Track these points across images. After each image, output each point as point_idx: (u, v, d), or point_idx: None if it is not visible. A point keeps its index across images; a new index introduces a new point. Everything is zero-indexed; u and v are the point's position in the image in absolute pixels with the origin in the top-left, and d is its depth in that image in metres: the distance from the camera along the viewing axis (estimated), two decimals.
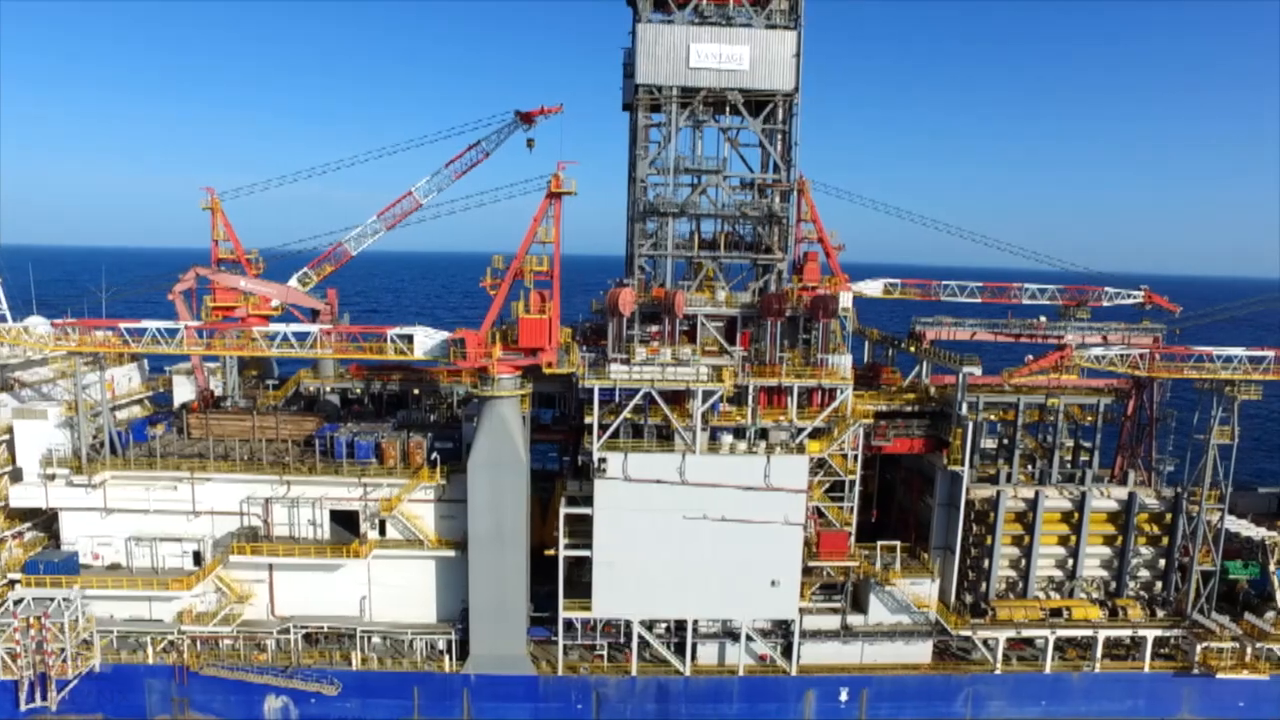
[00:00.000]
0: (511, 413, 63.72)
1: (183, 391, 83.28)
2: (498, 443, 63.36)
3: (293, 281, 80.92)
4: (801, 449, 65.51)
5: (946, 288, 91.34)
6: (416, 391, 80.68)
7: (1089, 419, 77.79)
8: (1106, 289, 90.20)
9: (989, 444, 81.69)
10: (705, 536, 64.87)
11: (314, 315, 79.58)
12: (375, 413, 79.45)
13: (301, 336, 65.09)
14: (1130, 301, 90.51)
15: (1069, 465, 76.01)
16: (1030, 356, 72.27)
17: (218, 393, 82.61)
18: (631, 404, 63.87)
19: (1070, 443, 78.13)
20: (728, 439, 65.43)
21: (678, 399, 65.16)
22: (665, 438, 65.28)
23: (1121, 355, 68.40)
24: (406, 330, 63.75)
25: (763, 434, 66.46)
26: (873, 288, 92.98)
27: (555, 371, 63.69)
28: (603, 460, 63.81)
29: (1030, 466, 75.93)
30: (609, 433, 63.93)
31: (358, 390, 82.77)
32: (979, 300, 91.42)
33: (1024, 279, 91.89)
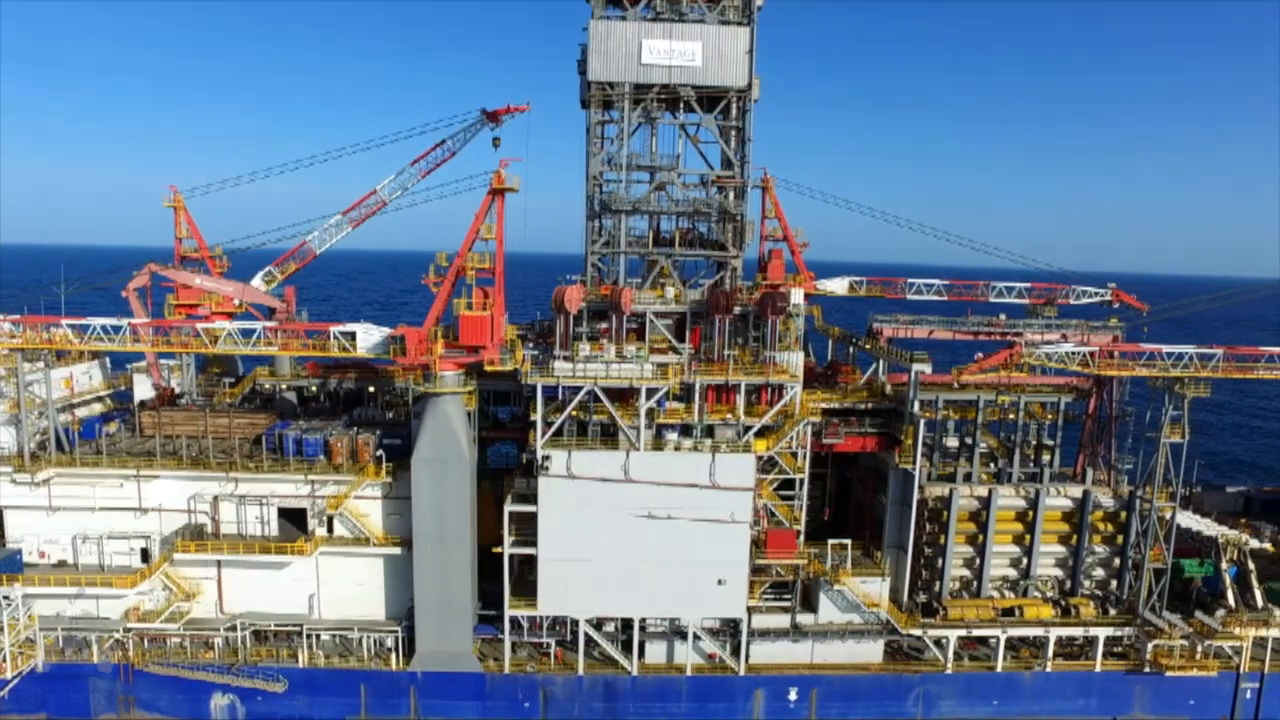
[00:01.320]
0: (455, 410, 63.63)
1: (143, 389, 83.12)
2: (441, 440, 63.29)
3: (256, 280, 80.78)
4: (748, 447, 65.15)
5: (912, 285, 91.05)
6: (372, 389, 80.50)
7: (1050, 417, 77.34)
8: (1074, 287, 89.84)
9: (951, 442, 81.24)
10: (651, 535, 64.62)
11: (271, 313, 79.47)
12: (331, 410, 79.34)
13: (247, 334, 64.97)
14: (1098, 300, 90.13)
15: (1032, 464, 75.52)
16: (980, 354, 71.81)
17: (177, 390, 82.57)
18: (575, 401, 63.64)
19: (1034, 441, 77.61)
20: (673, 437, 65.15)
21: (624, 396, 64.90)
22: (610, 435, 65.02)
23: (1070, 353, 67.95)
24: (349, 327, 63.61)
25: (709, 432, 66.16)
26: (838, 285, 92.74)
27: (497, 369, 63.52)
28: (546, 458, 63.58)
29: (993, 465, 75.47)
30: (552, 430, 63.72)
31: (314, 388, 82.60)
32: (945, 299, 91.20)
33: (995, 278, 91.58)
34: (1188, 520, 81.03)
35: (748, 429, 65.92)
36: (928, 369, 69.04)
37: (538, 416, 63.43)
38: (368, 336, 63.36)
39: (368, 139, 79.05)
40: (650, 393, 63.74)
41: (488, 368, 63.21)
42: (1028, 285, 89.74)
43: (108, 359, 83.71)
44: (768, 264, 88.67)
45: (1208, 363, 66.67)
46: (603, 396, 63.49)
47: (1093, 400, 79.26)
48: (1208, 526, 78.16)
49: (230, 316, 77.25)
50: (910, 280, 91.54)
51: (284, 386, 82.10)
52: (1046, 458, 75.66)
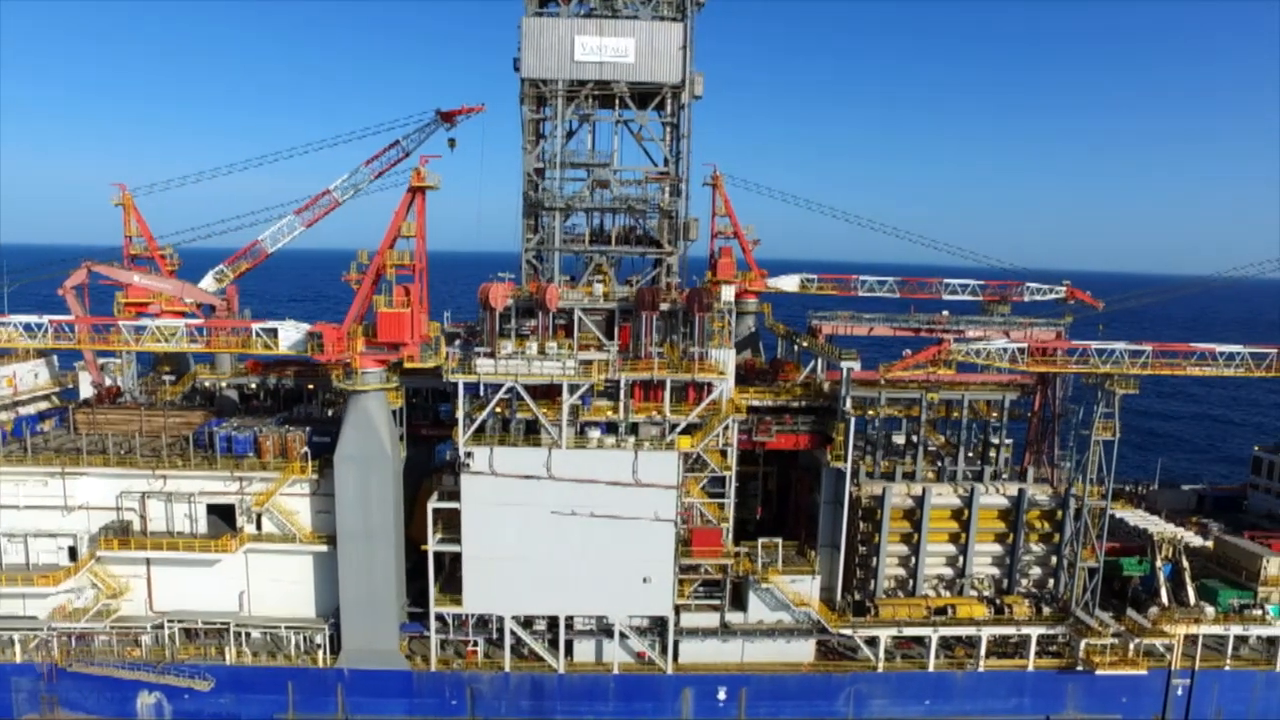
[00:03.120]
0: (378, 407, 63.43)
1: (88, 387, 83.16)
2: (364, 437, 63.12)
3: (207, 279, 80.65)
4: (671, 444, 64.73)
5: (864, 283, 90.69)
6: (311, 386, 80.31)
7: (994, 415, 76.78)
8: (1028, 284, 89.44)
9: (900, 439, 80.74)
10: (575, 532, 64.31)
11: (213, 311, 79.34)
12: (271, 408, 79.22)
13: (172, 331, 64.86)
14: (1052, 297, 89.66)
15: (979, 462, 74.95)
16: (908, 351, 71.24)
17: (121, 388, 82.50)
18: (497, 398, 63.36)
19: (982, 438, 77.03)
20: (596, 434, 64.78)
21: (549, 393, 64.56)
22: (534, 432, 64.72)
23: (1000, 349, 67.40)
24: (271, 324, 63.45)
25: (634, 429, 65.78)
26: (788, 283, 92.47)
27: (418, 366, 63.29)
28: (468, 454, 63.34)
29: (939, 463, 74.89)
30: (474, 427, 63.45)
31: (253, 386, 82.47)
32: (897, 295, 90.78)
33: (951, 275, 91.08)
34: (1135, 518, 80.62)
35: (673, 426, 65.51)
36: (857, 366, 68.49)
37: (459, 413, 63.18)
38: (288, 334, 63.15)
39: (330, 136, 78.71)
40: (572, 389, 63.42)
41: (407, 364, 62.97)
42: (981, 283, 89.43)
43: (55, 357, 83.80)
44: (718, 261, 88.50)
45: (1138, 359, 66.10)
46: (524, 393, 63.21)
47: (1037, 397, 78.64)
48: (1152, 524, 77.70)
49: (183, 315, 77.16)
50: (863, 278, 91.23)
51: (224, 384, 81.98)
52: (992, 455, 75.23)
